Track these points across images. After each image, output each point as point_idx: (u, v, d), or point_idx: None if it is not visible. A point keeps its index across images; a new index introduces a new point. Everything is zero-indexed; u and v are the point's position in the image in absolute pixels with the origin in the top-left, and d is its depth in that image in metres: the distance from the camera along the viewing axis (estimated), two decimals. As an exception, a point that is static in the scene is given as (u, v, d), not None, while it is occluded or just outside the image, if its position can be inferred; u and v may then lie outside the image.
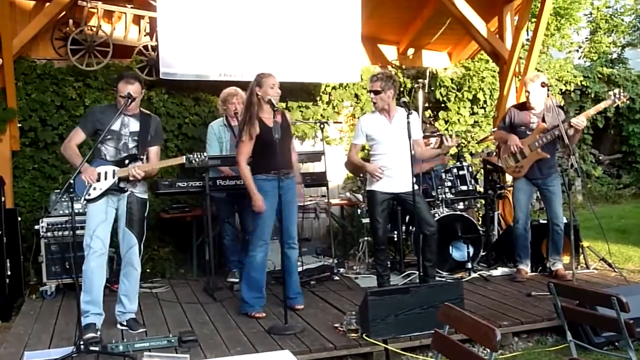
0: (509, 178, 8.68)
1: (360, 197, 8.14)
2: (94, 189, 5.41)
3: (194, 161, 5.90)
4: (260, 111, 5.87)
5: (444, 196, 7.61)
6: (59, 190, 7.32)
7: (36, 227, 7.05)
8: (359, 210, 8.06)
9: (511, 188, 8.49)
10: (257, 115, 5.83)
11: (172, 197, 7.91)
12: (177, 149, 8.29)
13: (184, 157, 5.86)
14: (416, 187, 6.26)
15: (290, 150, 6.06)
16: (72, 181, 4.91)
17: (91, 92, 8.04)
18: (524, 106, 7.12)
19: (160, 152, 5.79)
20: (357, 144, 6.57)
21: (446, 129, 9.71)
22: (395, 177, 6.33)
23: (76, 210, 6.23)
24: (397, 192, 6.37)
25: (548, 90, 6.95)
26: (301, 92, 9.01)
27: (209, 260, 6.84)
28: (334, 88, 9.24)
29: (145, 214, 5.66)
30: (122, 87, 5.46)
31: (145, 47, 8.19)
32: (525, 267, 7.18)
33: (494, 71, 9.89)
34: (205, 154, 5.83)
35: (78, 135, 5.52)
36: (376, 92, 6.29)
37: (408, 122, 5.96)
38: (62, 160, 7.84)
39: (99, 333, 5.24)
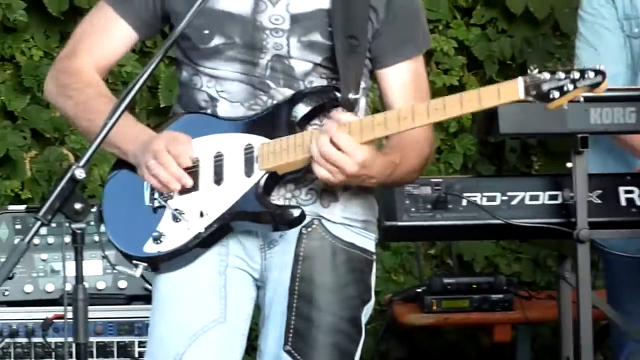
0: None
1: None
2: (175, 219, 1.25)
3: (553, 94, 1.22)
4: None
5: None
6: (19, 210, 2.39)
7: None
8: None
9: None
10: None
11: (443, 242, 2.78)
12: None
13: (519, 79, 1.27)
14: None
15: None
16: (81, 174, 1.19)
17: None
18: None
19: (422, 81, 1.51)
20: None
21: None
22: None
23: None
24: None
25: None
26: None
27: None
28: None
29: (366, 309, 1.44)
30: None
31: None
32: None
33: None
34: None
35: (100, 25, 1.46)
36: None
37: None
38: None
39: None
